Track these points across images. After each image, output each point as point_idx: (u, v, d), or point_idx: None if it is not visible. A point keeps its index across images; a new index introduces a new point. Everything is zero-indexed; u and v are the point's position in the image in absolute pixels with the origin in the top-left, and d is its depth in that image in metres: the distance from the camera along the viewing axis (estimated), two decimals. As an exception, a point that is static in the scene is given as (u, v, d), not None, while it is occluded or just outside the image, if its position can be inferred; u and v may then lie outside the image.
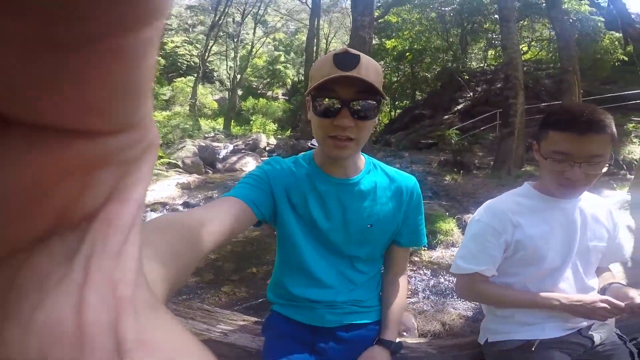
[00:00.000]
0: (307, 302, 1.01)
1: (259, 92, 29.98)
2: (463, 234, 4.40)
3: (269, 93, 30.67)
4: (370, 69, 0.84)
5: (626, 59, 12.14)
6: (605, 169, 0.98)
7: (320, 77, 0.83)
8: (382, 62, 17.68)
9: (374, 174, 1.00)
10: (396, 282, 1.07)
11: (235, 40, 24.91)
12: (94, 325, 0.12)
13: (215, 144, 13.31)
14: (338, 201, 0.96)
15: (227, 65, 26.97)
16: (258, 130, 19.65)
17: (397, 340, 1.04)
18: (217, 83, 28.73)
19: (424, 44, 16.89)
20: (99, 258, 0.13)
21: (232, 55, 25.25)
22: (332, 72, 0.82)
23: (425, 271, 3.57)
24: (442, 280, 3.29)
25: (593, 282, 1.13)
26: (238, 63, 25.05)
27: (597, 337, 1.11)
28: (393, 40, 17.53)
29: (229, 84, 24.93)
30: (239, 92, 26.93)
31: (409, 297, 2.91)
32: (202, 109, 24.27)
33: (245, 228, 0.80)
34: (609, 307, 1.00)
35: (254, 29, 25.64)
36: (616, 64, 12.70)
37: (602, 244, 1.11)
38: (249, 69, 27.38)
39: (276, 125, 22.77)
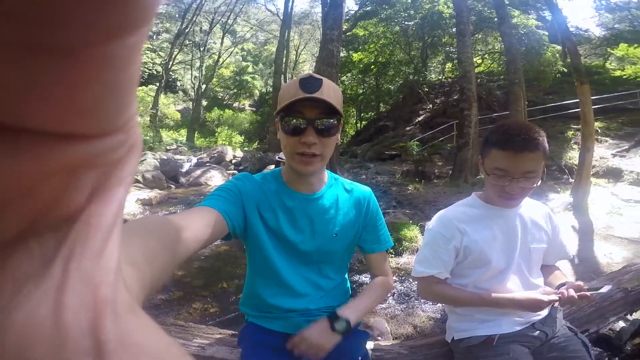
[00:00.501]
0: (282, 311, 1.06)
1: (224, 103, 29.41)
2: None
3: (236, 104, 30.17)
4: (332, 91, 0.94)
5: (565, 70, 13.13)
6: (539, 183, 1.11)
7: (287, 99, 0.92)
8: (349, 74, 18.15)
9: (335, 188, 1.10)
10: (376, 280, 1.15)
11: (201, 49, 24.32)
12: (73, 326, 0.12)
13: (178, 156, 12.86)
14: (306, 215, 1.04)
15: (191, 75, 26.21)
16: (224, 142, 19.24)
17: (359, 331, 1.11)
18: (181, 93, 27.88)
19: (388, 57, 17.58)
20: (79, 259, 0.13)
21: (198, 64, 24.65)
22: (298, 94, 0.91)
23: (394, 277, 3.65)
24: (410, 285, 3.41)
25: (538, 281, 1.25)
26: (203, 73, 24.44)
27: (550, 331, 1.23)
28: (360, 53, 18.10)
29: (193, 94, 24.31)
30: (204, 103, 26.30)
31: (380, 304, 2.99)
32: (163, 120, 23.35)
33: (217, 238, 0.81)
34: (547, 297, 1.12)
35: (222, 38, 25.20)
36: (557, 75, 13.93)
37: (542, 245, 1.24)
38: (215, 79, 26.75)
39: (243, 137, 22.37)
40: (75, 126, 0.11)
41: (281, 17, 20.34)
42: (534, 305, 1.14)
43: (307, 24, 26.16)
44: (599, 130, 9.69)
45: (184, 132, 22.69)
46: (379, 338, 2.01)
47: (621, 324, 2.24)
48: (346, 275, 1.19)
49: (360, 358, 1.09)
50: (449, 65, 18.26)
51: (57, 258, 0.12)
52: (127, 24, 0.10)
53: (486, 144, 1.16)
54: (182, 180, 10.15)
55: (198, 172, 10.77)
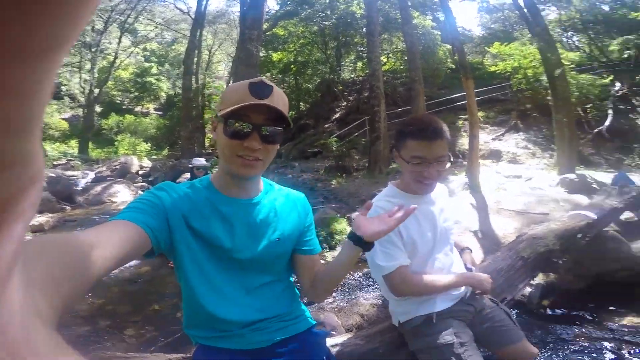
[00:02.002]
0: (235, 327, 0.98)
1: (124, 107, 26.35)
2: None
3: (138, 108, 27.29)
4: (280, 99, 0.93)
5: (454, 67, 14.93)
6: (448, 166, 1.31)
7: (234, 101, 0.89)
8: (268, 74, 17.93)
9: (272, 193, 1.07)
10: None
11: (93, 50, 21.30)
12: None
13: (69, 172, 11.23)
14: (242, 221, 0.98)
15: (80, 78, 22.80)
16: (126, 151, 17.10)
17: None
18: (67, 99, 24.02)
19: (307, 56, 17.94)
20: None
21: (88, 66, 21.60)
22: (247, 99, 0.88)
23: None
24: (349, 276, 3.61)
25: (455, 255, 1.48)
26: (96, 76, 21.59)
27: (477, 304, 1.44)
28: (279, 53, 18.07)
29: (83, 99, 21.23)
30: (98, 109, 23.23)
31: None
32: (46, 131, 19.97)
33: (137, 254, 0.75)
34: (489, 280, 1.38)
35: (120, 38, 22.37)
36: (447, 71, 15.89)
37: (451, 223, 1.45)
38: (110, 82, 23.74)
39: (149, 144, 20.33)
40: None
41: (192, 16, 19.19)
42: (479, 283, 1.36)
43: (222, 23, 24.83)
44: (481, 119, 11.38)
45: (74, 143, 19.82)
46: (333, 332, 2.10)
47: (528, 289, 2.73)
48: (291, 278, 1.15)
49: (325, 358, 1.10)
50: (359, 64, 19.28)
51: None
52: (36, 48, 0.09)
53: (401, 136, 1.31)
54: (79, 199, 8.95)
55: (98, 188, 9.58)
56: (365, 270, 3.78)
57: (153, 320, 3.18)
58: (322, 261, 4.10)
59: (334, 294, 3.19)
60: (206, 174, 4.53)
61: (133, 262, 4.24)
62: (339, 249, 4.46)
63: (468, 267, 1.50)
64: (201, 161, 4.90)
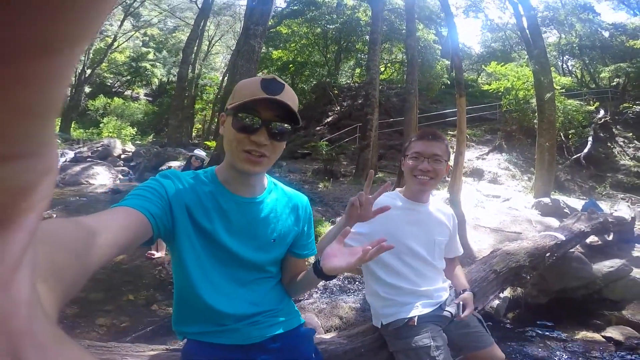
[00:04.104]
0: (230, 321, 0.99)
1: (114, 90, 25.72)
2: (339, 235, 5.02)
3: (128, 92, 26.65)
4: (291, 98, 0.93)
5: (449, 82, 15.40)
6: (445, 167, 1.44)
7: (246, 96, 0.89)
8: (265, 71, 17.87)
9: (275, 192, 1.07)
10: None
11: None
12: None
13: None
14: (243, 219, 0.99)
15: (74, 58, 22.13)
16: (111, 134, 16.70)
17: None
18: (55, 76, 23.22)
19: (306, 57, 17.95)
20: None
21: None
22: (258, 94, 0.88)
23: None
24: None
25: (440, 265, 1.59)
26: (90, 56, 20.98)
27: (454, 310, 1.55)
28: (280, 51, 18.05)
29: (73, 78, 20.51)
30: (87, 89, 22.60)
31: (307, 299, 3.20)
32: (28, 106, 19.25)
33: (139, 242, 0.75)
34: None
35: (122, 21, 21.72)
36: (442, 87, 16.21)
37: (443, 238, 1.57)
38: (104, 64, 23.09)
39: (135, 129, 19.92)
40: None
41: (199, 5, 18.91)
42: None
43: (227, 15, 24.60)
44: (468, 137, 11.70)
45: (56, 121, 19.12)
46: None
47: (496, 301, 2.90)
48: (280, 277, 1.16)
49: (313, 355, 1.11)
50: (358, 70, 19.50)
51: None
52: (57, 41, 0.09)
53: (407, 144, 1.52)
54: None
55: (77, 168, 9.29)
56: (345, 273, 3.87)
57: (127, 311, 3.09)
58: (306, 263, 4.18)
59: (314, 295, 3.28)
60: (201, 166, 4.60)
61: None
62: (322, 251, 4.54)
63: (457, 302, 1.58)
64: (202, 153, 4.97)
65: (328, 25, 16.52)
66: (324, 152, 10.33)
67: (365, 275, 1.56)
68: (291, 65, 17.83)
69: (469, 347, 1.53)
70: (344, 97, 17.32)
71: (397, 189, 1.59)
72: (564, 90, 12.62)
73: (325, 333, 2.16)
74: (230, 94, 0.98)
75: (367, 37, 13.44)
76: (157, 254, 4.15)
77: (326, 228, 5.12)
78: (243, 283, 1.02)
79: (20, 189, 0.13)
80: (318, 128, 15.66)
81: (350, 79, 20.47)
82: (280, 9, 18.41)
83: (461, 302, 1.55)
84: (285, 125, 0.93)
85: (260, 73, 18.03)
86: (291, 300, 1.17)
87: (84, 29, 0.10)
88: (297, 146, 13.68)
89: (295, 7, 17.16)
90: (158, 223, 0.81)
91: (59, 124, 18.73)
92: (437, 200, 1.64)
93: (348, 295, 3.28)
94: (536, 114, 9.76)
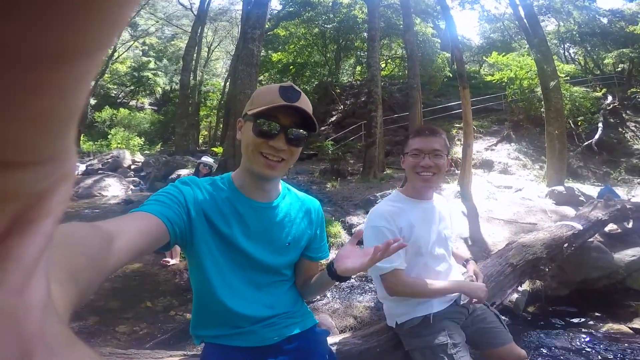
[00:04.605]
0: (247, 323, 1.01)
1: (119, 101, 26.07)
2: (349, 235, 5.01)
3: (133, 102, 27.01)
4: (307, 105, 0.97)
5: (450, 75, 15.21)
6: (445, 162, 1.42)
7: (265, 102, 0.93)
8: (267, 74, 17.98)
9: (289, 197, 1.10)
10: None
11: None
12: None
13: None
14: (259, 223, 1.01)
15: (75, 70, 22.58)
16: (119, 145, 16.97)
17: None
18: (60, 90, 23.68)
19: (306, 58, 18.04)
20: None
21: (84, 58, 21.37)
22: (277, 101, 0.92)
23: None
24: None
25: (453, 261, 1.56)
26: None
27: (470, 306, 1.52)
28: (279, 53, 18.12)
29: (77, 91, 20.91)
30: (92, 101, 22.96)
31: (320, 300, 3.17)
32: (38, 121, 19.60)
33: (156, 247, 0.76)
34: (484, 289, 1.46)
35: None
36: (444, 79, 16.06)
37: (449, 231, 1.55)
38: (107, 75, 23.51)
39: (143, 139, 20.17)
40: (2, 155, 0.11)
41: (195, 12, 19.08)
42: (474, 292, 1.43)
43: (224, 21, 24.78)
44: (475, 128, 11.57)
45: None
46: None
47: (515, 295, 2.84)
48: (293, 278, 1.18)
49: (327, 356, 1.14)
50: (358, 68, 19.46)
51: None
52: (78, 47, 0.09)
53: (405, 141, 1.49)
54: (68, 192, 8.82)
55: (89, 181, 9.46)
56: (360, 273, 3.82)
57: (145, 318, 3.15)
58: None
59: (328, 296, 3.27)
60: (209, 173, 4.64)
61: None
62: (332, 251, 4.52)
63: (470, 275, 1.58)
64: (209, 160, 5.06)
65: (325, 25, 16.52)
66: (330, 151, 10.30)
67: (375, 278, 1.52)
68: (292, 67, 17.92)
69: (487, 344, 1.49)
70: (346, 96, 17.30)
71: (397, 189, 1.56)
72: (568, 78, 12.42)
73: (339, 333, 2.14)
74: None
75: (365, 35, 13.37)
76: (172, 261, 4.19)
77: (336, 228, 5.10)
78: (260, 286, 1.04)
79: (38, 195, 0.13)
80: (323, 128, 15.64)
81: (352, 77, 20.42)
82: (277, 11, 18.49)
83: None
84: (302, 131, 0.96)
85: (262, 77, 18.17)
86: (304, 303, 1.19)
87: (102, 37, 0.10)
88: (303, 147, 13.70)
89: (291, 9, 17.25)
90: (175, 228, 0.82)
91: (68, 137, 19.07)
92: (437, 195, 1.60)
93: (362, 295, 3.24)
94: (542, 103, 9.62)
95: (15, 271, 0.12)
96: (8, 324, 0.12)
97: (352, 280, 3.80)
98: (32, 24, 0.08)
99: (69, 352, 0.13)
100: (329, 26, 16.39)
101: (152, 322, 3.07)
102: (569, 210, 5.34)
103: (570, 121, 11.76)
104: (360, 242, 1.03)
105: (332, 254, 4.40)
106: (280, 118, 0.93)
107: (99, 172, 10.81)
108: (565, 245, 2.65)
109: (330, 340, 1.50)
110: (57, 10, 0.09)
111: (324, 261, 1.24)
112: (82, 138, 19.37)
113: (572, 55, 21.81)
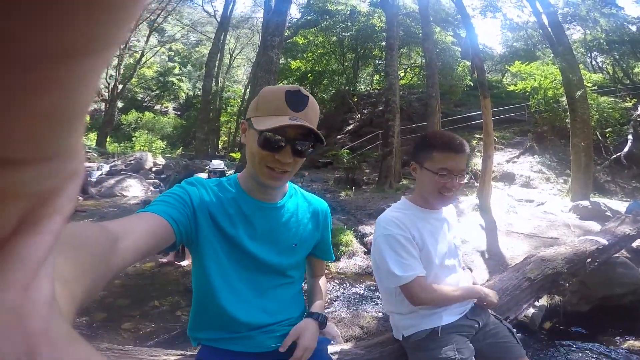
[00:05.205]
0: (244, 329, 0.99)
1: (144, 105, 27.04)
2: (361, 244, 4.94)
3: (157, 107, 27.99)
4: (314, 110, 0.96)
5: (472, 84, 14.83)
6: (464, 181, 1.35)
7: (270, 111, 0.92)
8: (285, 81, 18.29)
9: (296, 198, 1.10)
10: (318, 280, 1.22)
11: (122, 46, 21.93)
12: (6, 358, 0.11)
13: (86, 164, 11.57)
14: (265, 223, 1.01)
15: (107, 73, 23.66)
16: (142, 147, 17.64)
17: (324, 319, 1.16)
18: (92, 93, 24.81)
19: (324, 66, 18.18)
20: (2, 291, 0.12)
21: (115, 62, 22.34)
22: (283, 108, 0.91)
23: (336, 281, 3.86)
24: (351, 287, 3.60)
25: (461, 271, 1.49)
26: (121, 72, 22.19)
27: (481, 320, 1.44)
28: (298, 61, 18.37)
29: (107, 94, 21.92)
30: (119, 104, 23.87)
31: (326, 308, 3.10)
32: (68, 123, 20.56)
33: (161, 247, 0.77)
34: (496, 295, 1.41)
35: (148, 36, 22.92)
36: (465, 89, 15.78)
37: (458, 239, 1.49)
38: (134, 79, 24.35)
39: (165, 142, 20.79)
40: (10, 152, 0.10)
41: (218, 19, 19.66)
42: (486, 297, 1.39)
43: (245, 28, 25.41)
44: (496, 139, 11.28)
45: (93, 136, 20.31)
46: (332, 342, 2.11)
47: (531, 310, 2.71)
48: (301, 283, 1.18)
49: None
50: (376, 77, 19.45)
51: None
52: (86, 44, 0.09)
53: (425, 148, 1.33)
54: (92, 190, 9.13)
55: (111, 181, 9.84)
56: (368, 282, 3.77)
57: (151, 316, 3.18)
58: (326, 271, 4.14)
59: (334, 304, 3.21)
60: (222, 176, 4.69)
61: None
62: (343, 260, 4.46)
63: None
64: (216, 166, 5.10)
65: (343, 33, 16.69)
66: (345, 160, 10.26)
67: (382, 291, 1.46)
68: (310, 74, 18.10)
69: (497, 358, 1.40)
70: (363, 105, 17.25)
71: (404, 197, 1.46)
72: (596, 88, 11.88)
73: (344, 343, 2.08)
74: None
75: (384, 43, 13.36)
76: (185, 262, 4.24)
77: (347, 237, 5.04)
78: (263, 290, 1.03)
79: (46, 193, 0.13)
80: (339, 136, 15.64)
81: (370, 86, 20.41)
82: (296, 19, 18.77)
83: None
84: (308, 142, 0.95)
85: (280, 84, 18.24)
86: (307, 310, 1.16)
87: (106, 36, 0.10)
88: (318, 155, 13.73)
89: (310, 17, 17.50)
90: (180, 229, 0.82)
91: (95, 138, 19.89)
92: None
93: (369, 304, 3.16)
94: (568, 113, 9.28)
95: (22, 269, 0.13)
96: (14, 320, 0.12)
97: (361, 290, 3.75)
98: (32, 23, 0.08)
99: (72, 349, 0.14)
100: (347, 34, 16.55)
101: (157, 321, 3.09)
102: (594, 226, 5.09)
103: (598, 133, 11.25)
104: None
105: (344, 262, 4.38)
106: (287, 130, 0.91)
107: (122, 172, 11.18)
108: (589, 260, 2.51)
109: (332, 349, 1.45)
110: (57, 10, 0.09)
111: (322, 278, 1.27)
112: (108, 139, 20.14)
113: (600, 64, 21.03)
